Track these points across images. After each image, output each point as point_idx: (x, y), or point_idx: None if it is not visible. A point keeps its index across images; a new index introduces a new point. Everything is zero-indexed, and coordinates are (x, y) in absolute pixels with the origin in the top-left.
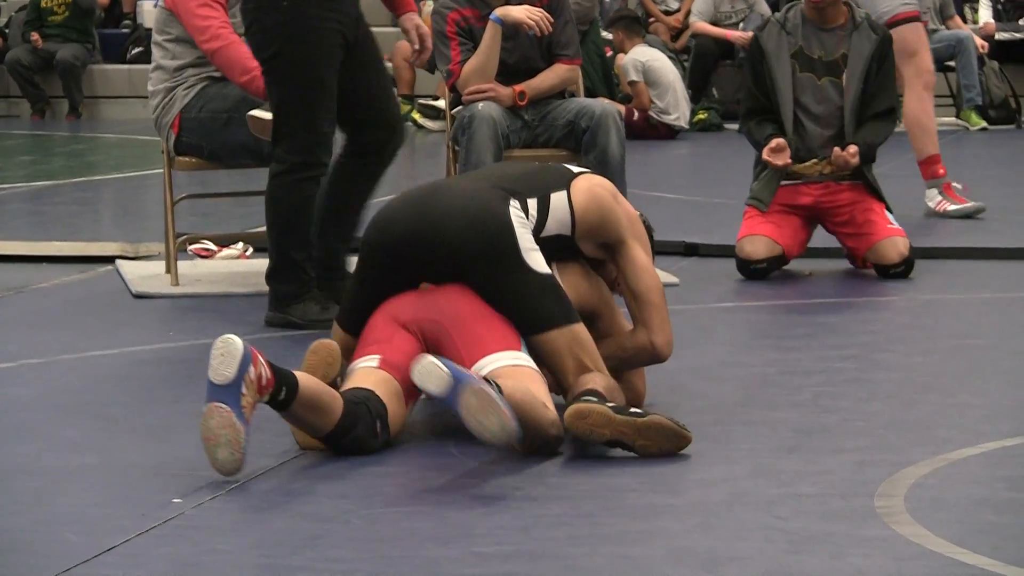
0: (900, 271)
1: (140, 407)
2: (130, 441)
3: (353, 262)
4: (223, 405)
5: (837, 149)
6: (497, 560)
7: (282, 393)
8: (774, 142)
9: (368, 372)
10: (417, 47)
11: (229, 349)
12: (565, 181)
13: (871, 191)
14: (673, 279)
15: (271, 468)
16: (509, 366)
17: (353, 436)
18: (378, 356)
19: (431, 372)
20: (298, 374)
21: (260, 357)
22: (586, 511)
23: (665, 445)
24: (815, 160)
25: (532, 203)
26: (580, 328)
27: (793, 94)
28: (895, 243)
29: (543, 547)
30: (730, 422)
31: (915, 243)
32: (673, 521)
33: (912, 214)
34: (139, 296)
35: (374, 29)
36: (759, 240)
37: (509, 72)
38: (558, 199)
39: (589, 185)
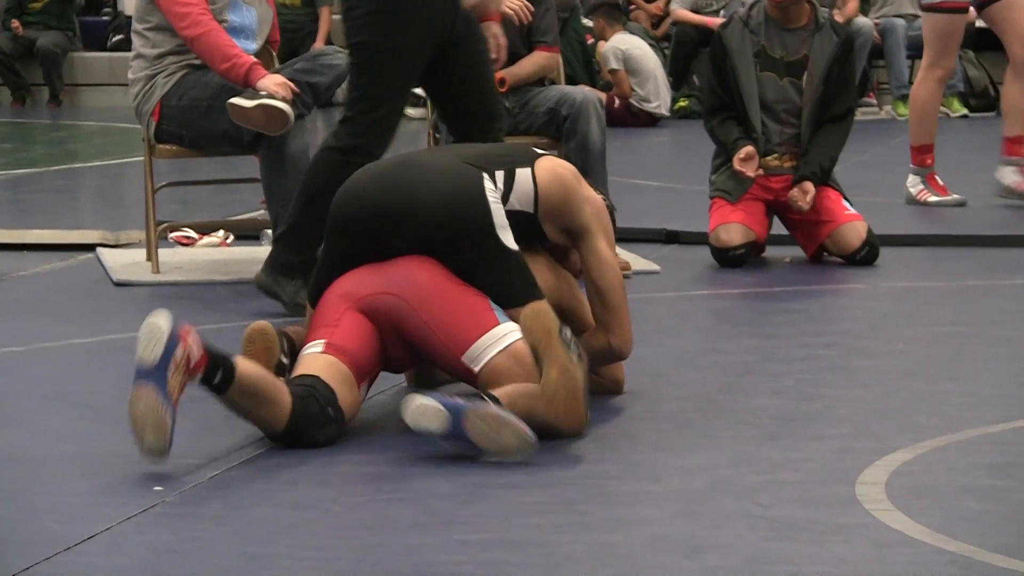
0: (864, 255)
1: (121, 395)
2: (111, 429)
3: None
4: (150, 387)
5: (794, 191)
6: (478, 548)
7: (217, 376)
8: (743, 152)
9: (313, 358)
10: (494, 56)
11: (153, 331)
12: (529, 159)
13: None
14: (654, 267)
15: (251, 457)
16: (502, 351)
17: (309, 438)
18: (323, 340)
19: (425, 412)
20: (238, 359)
21: (191, 337)
22: (567, 499)
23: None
24: (776, 155)
25: (499, 175)
26: (543, 303)
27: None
28: (855, 228)
29: (524, 535)
30: (711, 410)
31: (895, 231)
32: (654, 509)
33: (894, 201)
34: (120, 284)
35: None
36: (734, 227)
37: None
38: (523, 174)
39: (552, 165)
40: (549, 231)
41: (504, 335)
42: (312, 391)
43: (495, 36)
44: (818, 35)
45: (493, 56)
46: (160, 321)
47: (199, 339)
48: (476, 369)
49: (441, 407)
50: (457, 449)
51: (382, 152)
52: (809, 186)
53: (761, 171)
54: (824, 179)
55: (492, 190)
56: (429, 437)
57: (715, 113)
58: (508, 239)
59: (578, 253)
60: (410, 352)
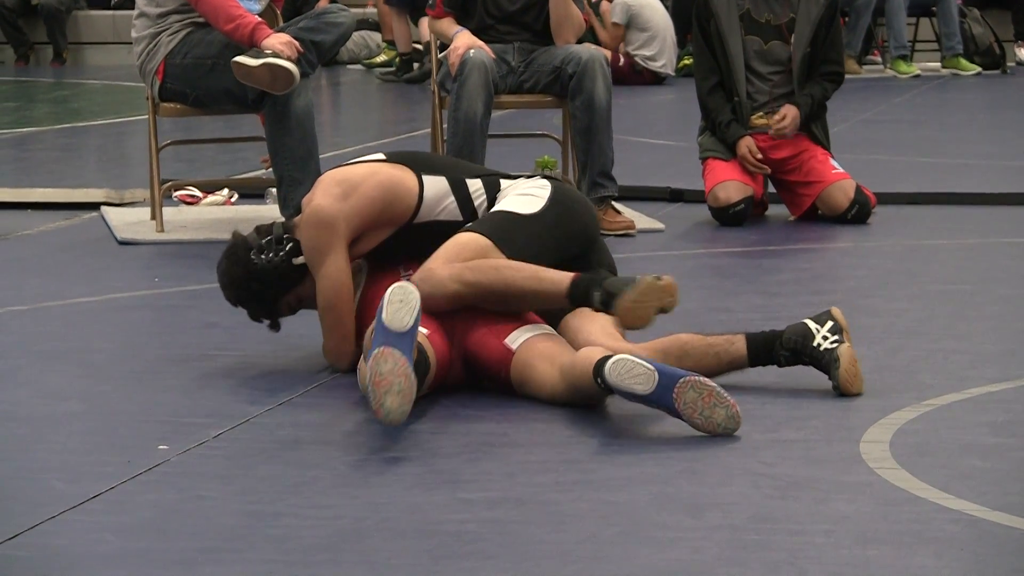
0: (855, 214)
1: (125, 354)
2: (115, 388)
3: None
4: (398, 352)
5: (775, 116)
6: (483, 506)
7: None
8: (744, 147)
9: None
10: None
11: (408, 298)
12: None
13: (815, 140)
14: (658, 225)
15: (256, 415)
16: (538, 334)
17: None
18: (427, 330)
19: (633, 370)
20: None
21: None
22: (572, 457)
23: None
24: (762, 113)
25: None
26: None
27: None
28: (842, 187)
29: (529, 493)
30: None
31: (900, 189)
32: (658, 467)
33: (897, 159)
34: (124, 243)
35: None
36: (731, 185)
37: (507, 18)
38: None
39: None
40: None
41: (538, 323)
42: (425, 359)
43: None
44: None
45: None
46: (414, 290)
47: None
48: (514, 347)
49: (653, 368)
50: (653, 411)
51: None
52: (790, 108)
53: (769, 169)
54: (813, 109)
55: None
56: (629, 398)
57: (706, 83)
58: None
59: None
60: (463, 366)
